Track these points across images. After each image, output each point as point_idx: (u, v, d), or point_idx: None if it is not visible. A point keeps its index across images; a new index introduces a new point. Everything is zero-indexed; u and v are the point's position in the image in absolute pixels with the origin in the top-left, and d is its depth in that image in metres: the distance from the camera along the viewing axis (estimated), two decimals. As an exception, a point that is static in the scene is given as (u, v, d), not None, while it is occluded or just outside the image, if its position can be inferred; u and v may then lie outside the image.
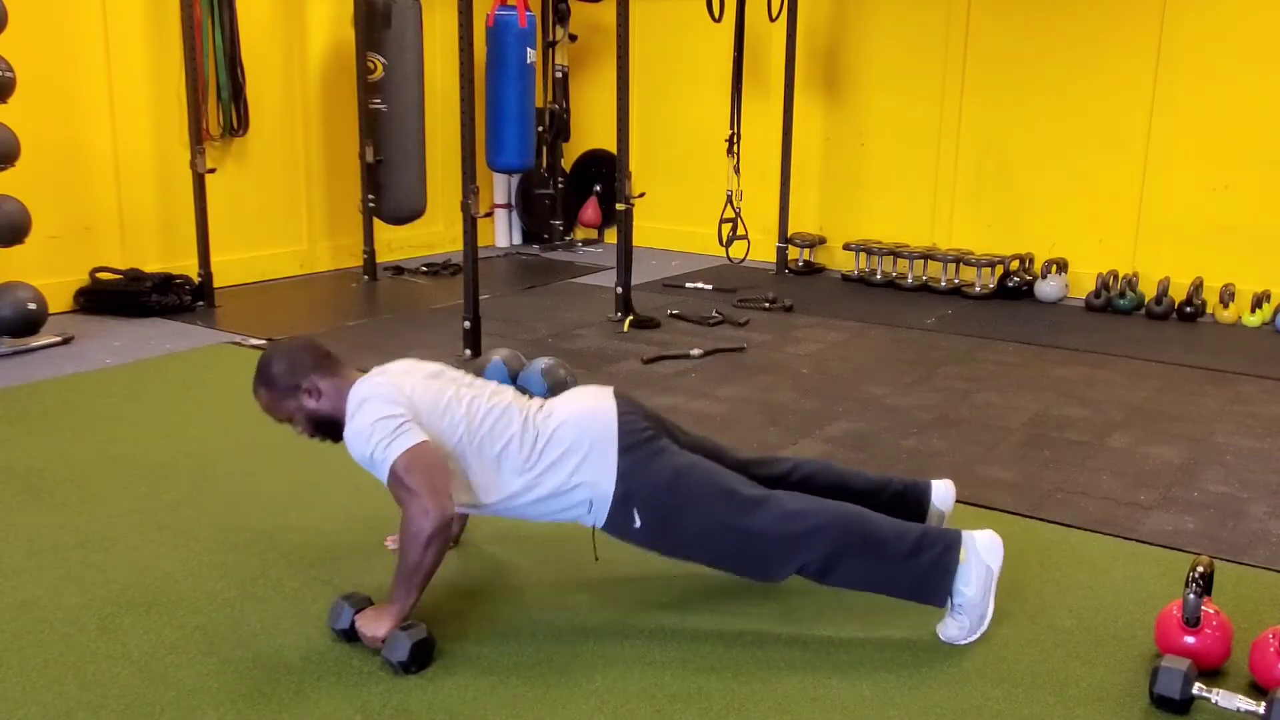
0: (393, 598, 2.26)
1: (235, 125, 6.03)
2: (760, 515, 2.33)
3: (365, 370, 2.46)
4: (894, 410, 4.11)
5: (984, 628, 2.37)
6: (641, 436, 2.37)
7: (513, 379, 3.95)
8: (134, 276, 5.52)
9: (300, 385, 2.38)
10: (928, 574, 2.34)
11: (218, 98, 5.93)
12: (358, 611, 2.30)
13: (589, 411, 2.39)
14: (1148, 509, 3.18)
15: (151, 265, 5.69)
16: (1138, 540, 2.94)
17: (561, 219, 7.74)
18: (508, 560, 2.77)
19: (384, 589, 2.59)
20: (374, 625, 2.25)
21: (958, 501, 3.14)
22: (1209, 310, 5.82)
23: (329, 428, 2.39)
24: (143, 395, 4.14)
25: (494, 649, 2.33)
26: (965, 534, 2.37)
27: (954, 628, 2.37)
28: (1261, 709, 2.02)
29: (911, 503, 2.61)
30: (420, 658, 2.21)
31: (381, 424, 2.24)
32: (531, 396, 2.53)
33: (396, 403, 2.29)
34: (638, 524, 2.35)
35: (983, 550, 2.35)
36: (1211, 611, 2.26)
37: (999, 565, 2.36)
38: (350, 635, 2.31)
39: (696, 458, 2.42)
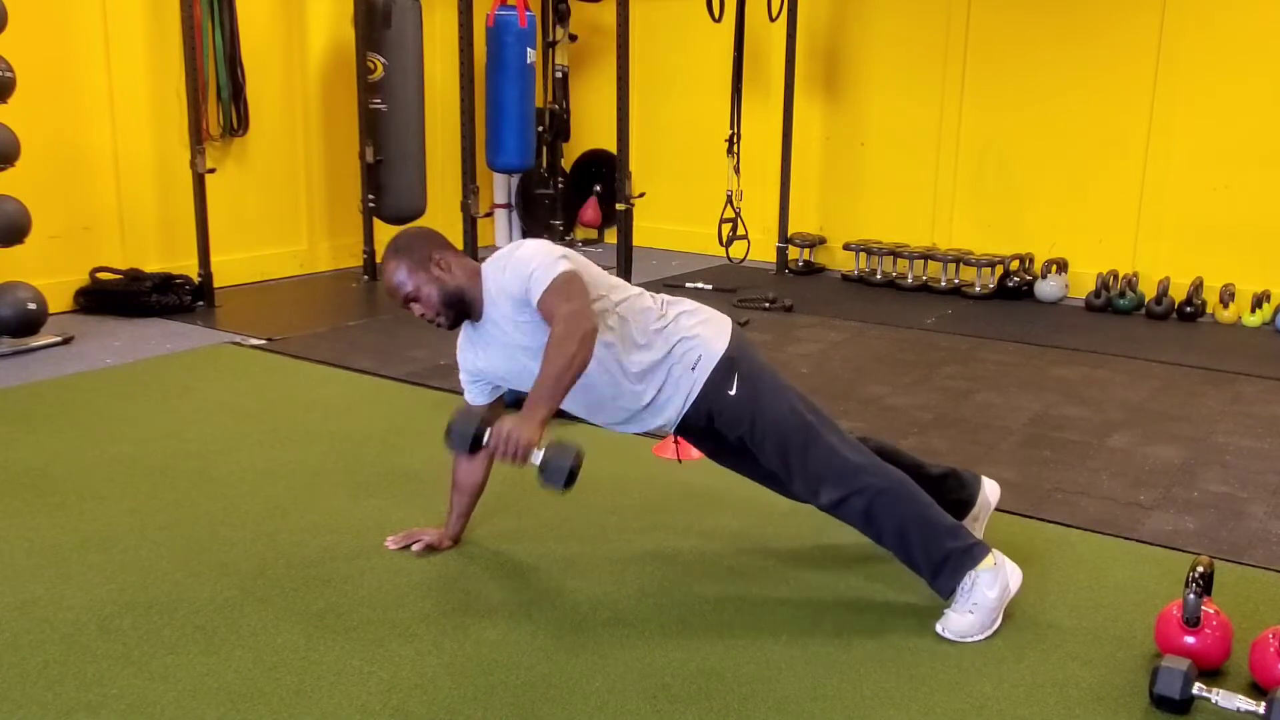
0: (535, 402, 2.25)
1: (235, 125, 6.03)
2: (835, 434, 2.49)
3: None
4: (894, 410, 4.11)
5: (990, 633, 2.40)
6: (748, 342, 2.58)
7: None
8: (134, 276, 5.52)
9: (432, 256, 2.45)
10: (950, 557, 2.42)
11: (218, 98, 5.93)
12: (484, 425, 2.28)
13: (706, 309, 2.60)
14: (1148, 509, 3.18)
15: (151, 265, 5.70)
16: (1138, 540, 2.95)
17: (561, 219, 7.74)
18: (508, 560, 2.77)
19: (383, 589, 2.59)
20: (521, 430, 2.21)
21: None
22: (1209, 310, 5.82)
23: (455, 304, 2.46)
24: (143, 395, 4.14)
25: (494, 648, 2.33)
26: (996, 550, 2.47)
27: (964, 624, 2.38)
28: (1261, 709, 2.02)
29: (958, 485, 2.71)
30: (576, 473, 2.22)
31: (548, 252, 2.39)
32: (520, 400, 2.58)
33: (554, 248, 2.43)
34: (734, 389, 2.47)
35: (1010, 570, 2.46)
36: (1211, 611, 2.26)
37: (1017, 588, 2.47)
38: (477, 443, 2.28)
39: None
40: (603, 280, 2.52)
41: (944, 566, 2.42)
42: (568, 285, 2.33)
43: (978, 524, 2.73)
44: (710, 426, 2.53)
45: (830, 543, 2.85)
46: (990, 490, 2.77)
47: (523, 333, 2.42)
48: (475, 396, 2.63)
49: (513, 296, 2.40)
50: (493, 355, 2.52)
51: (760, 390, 2.49)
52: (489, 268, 2.48)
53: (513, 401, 2.60)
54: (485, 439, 2.28)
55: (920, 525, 2.43)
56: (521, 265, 2.39)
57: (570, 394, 2.34)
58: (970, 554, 2.42)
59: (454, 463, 2.70)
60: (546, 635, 2.39)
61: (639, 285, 2.68)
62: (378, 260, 6.57)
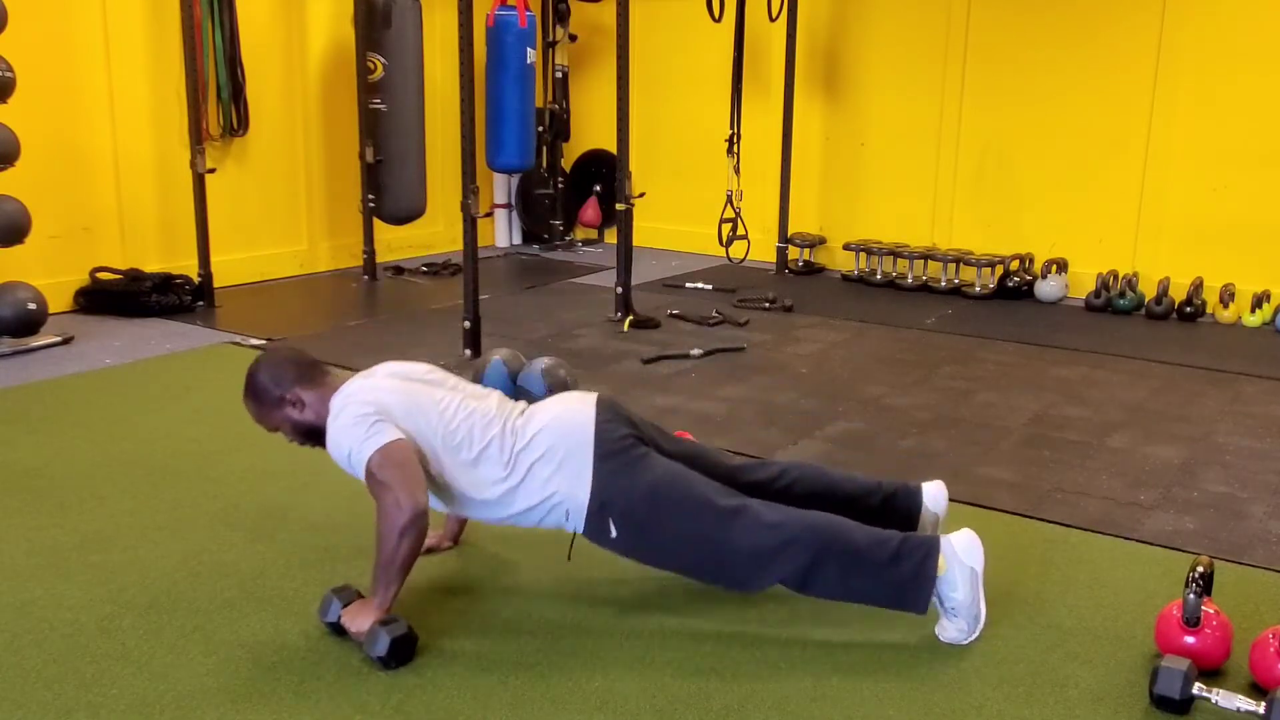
0: (373, 591, 2.29)
1: (235, 125, 6.03)
2: (736, 528, 2.33)
3: (356, 370, 2.50)
4: (894, 410, 4.11)
5: (981, 625, 2.37)
6: (619, 445, 2.36)
7: (512, 379, 3.95)
8: (134, 276, 5.52)
9: (285, 397, 2.44)
10: (907, 582, 2.32)
11: (218, 98, 5.93)
12: (345, 605, 2.33)
13: (567, 419, 2.40)
14: (1148, 509, 3.18)
15: (151, 265, 5.70)
16: (1138, 540, 2.94)
17: (561, 219, 7.74)
18: (508, 560, 2.77)
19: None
20: (357, 619, 2.28)
21: (958, 502, 3.15)
22: (1209, 310, 5.82)
23: (315, 435, 2.45)
24: (143, 395, 4.14)
25: (494, 649, 2.33)
26: (943, 540, 2.35)
27: (953, 630, 2.37)
28: (1261, 709, 2.02)
29: (903, 507, 2.59)
30: (400, 653, 2.22)
31: (356, 425, 2.29)
32: (518, 400, 2.55)
33: (370, 404, 2.34)
34: (614, 534, 2.36)
35: (962, 553, 2.33)
36: (1211, 611, 2.26)
37: (981, 563, 2.34)
38: (340, 629, 2.32)
39: (677, 466, 2.41)
40: (429, 413, 2.37)
41: (904, 596, 2.33)
42: (381, 465, 2.23)
43: (937, 526, 2.60)
44: None
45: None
46: (932, 499, 2.60)
47: None
48: None
49: (339, 460, 2.36)
50: None
51: (643, 529, 2.35)
52: (332, 404, 2.39)
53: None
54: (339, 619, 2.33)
55: (861, 573, 2.32)
56: (337, 445, 2.33)
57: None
58: (921, 572, 2.30)
59: None
60: (546, 635, 2.39)
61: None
62: (378, 260, 6.58)
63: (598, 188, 7.72)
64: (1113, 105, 6.05)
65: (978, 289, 6.29)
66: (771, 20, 6.52)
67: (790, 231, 7.00)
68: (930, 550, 2.33)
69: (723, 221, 6.49)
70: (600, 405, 2.43)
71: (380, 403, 2.35)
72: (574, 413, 2.41)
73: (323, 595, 2.39)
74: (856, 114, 6.93)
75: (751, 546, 2.32)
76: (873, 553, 2.32)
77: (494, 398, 2.50)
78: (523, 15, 6.57)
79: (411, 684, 2.18)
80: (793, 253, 7.04)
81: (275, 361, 2.50)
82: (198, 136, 5.50)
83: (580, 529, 2.39)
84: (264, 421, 2.50)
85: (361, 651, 2.26)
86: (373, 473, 2.25)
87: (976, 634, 2.37)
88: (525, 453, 2.36)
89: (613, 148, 5.56)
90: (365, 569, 2.64)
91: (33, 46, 5.04)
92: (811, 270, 7.02)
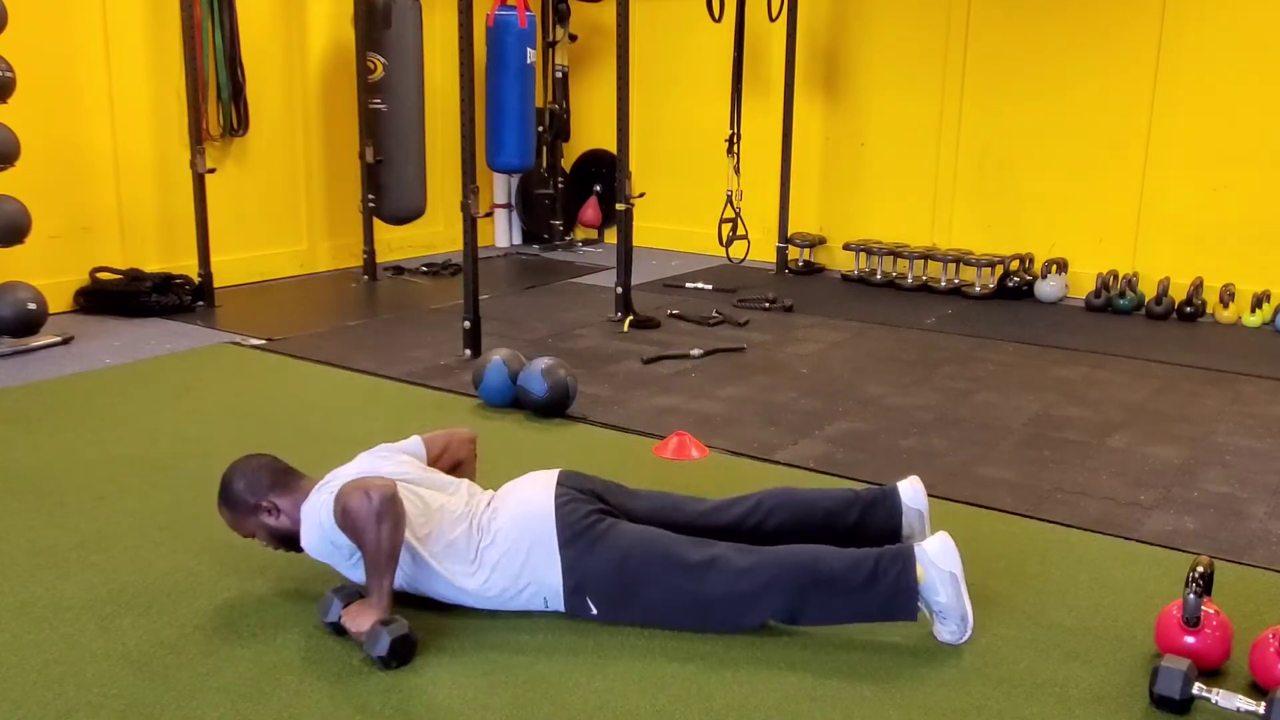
0: (370, 590, 2.29)
1: (235, 125, 6.03)
2: (710, 580, 2.35)
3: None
4: (894, 410, 4.11)
5: (970, 625, 2.36)
6: (581, 526, 2.39)
7: (512, 379, 3.95)
8: (134, 276, 5.52)
9: (260, 504, 2.46)
10: (891, 597, 2.32)
11: (218, 98, 5.93)
12: (346, 605, 2.33)
13: (527, 509, 2.42)
14: (1148, 509, 3.18)
15: (151, 265, 5.70)
16: (1138, 540, 2.94)
17: (561, 219, 7.74)
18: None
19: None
20: (357, 619, 2.28)
21: (958, 502, 3.15)
22: (1209, 310, 5.82)
23: (289, 541, 2.47)
24: (143, 395, 4.14)
25: (494, 649, 2.33)
26: (917, 549, 2.35)
27: (945, 632, 2.37)
28: (1261, 709, 2.02)
29: (883, 514, 2.59)
30: (401, 653, 2.22)
31: (322, 506, 2.33)
32: (485, 491, 2.56)
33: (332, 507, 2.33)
34: (594, 611, 2.39)
35: (937, 559, 2.33)
36: (1211, 611, 2.26)
37: (959, 566, 2.34)
38: (340, 629, 2.33)
39: (640, 529, 2.43)
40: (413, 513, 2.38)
41: (893, 609, 2.33)
42: (340, 495, 2.26)
43: (914, 538, 2.56)
44: None
45: (830, 543, 2.84)
46: (911, 498, 2.59)
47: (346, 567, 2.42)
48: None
49: (320, 554, 2.39)
50: None
51: (620, 604, 2.38)
52: (303, 512, 2.41)
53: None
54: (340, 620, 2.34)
55: (844, 597, 2.33)
56: (311, 549, 2.39)
57: None
58: (902, 584, 2.31)
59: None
60: (546, 635, 2.39)
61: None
62: (378, 260, 6.58)
63: (598, 188, 7.72)
64: (1113, 105, 6.06)
65: (978, 289, 6.29)
66: (771, 20, 6.52)
67: (790, 231, 7.00)
68: (906, 562, 2.33)
69: (723, 221, 6.49)
70: (560, 487, 2.46)
71: None
72: (533, 502, 2.43)
73: (323, 595, 2.39)
74: (856, 114, 6.93)
75: (729, 594, 2.35)
76: (849, 578, 2.33)
77: (462, 490, 2.52)
78: (523, 15, 6.57)
79: (412, 684, 2.18)
80: (793, 253, 7.04)
81: (250, 469, 2.51)
82: (198, 136, 5.50)
83: (562, 610, 2.42)
84: (239, 528, 2.51)
85: (361, 651, 2.26)
86: (339, 506, 2.26)
87: (968, 634, 2.36)
88: (491, 549, 2.39)
89: (613, 148, 5.56)
90: (365, 569, 2.65)
91: (33, 46, 5.04)
92: (811, 270, 7.02)
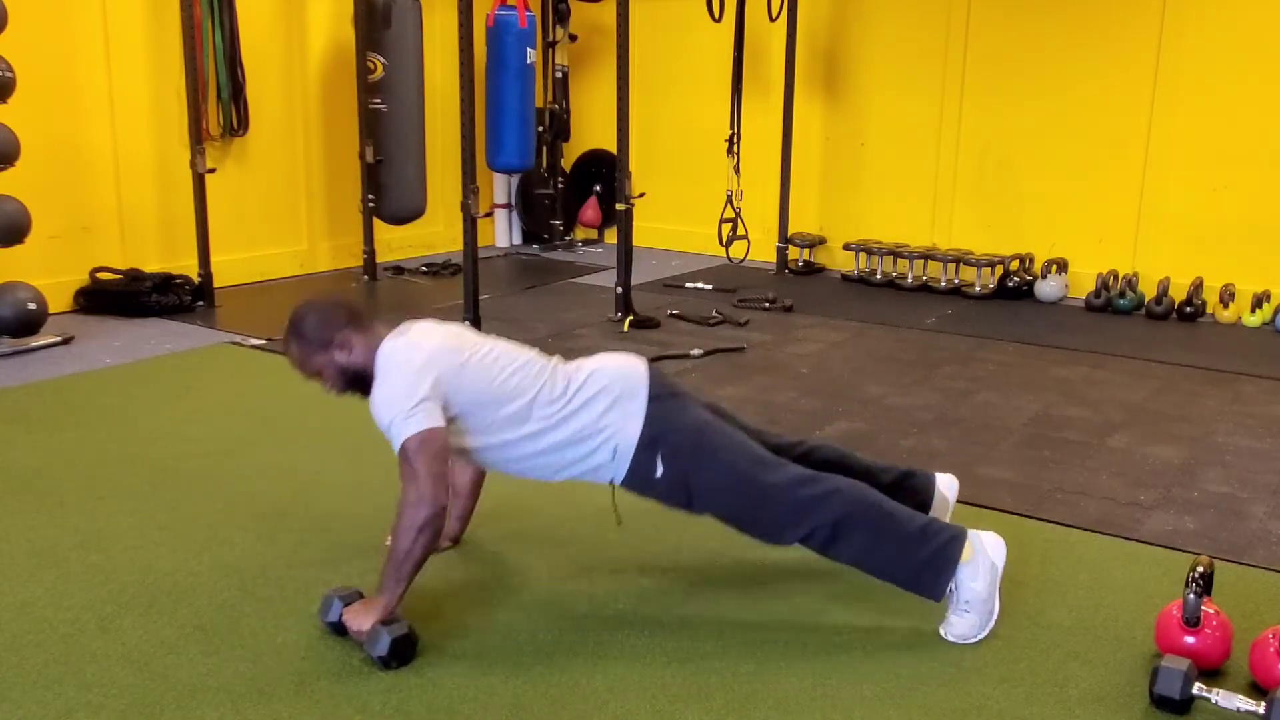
0: (380, 589, 2.28)
1: (235, 125, 6.03)
2: (779, 474, 2.39)
3: (396, 323, 2.48)
4: (894, 410, 4.11)
5: (992, 624, 2.38)
6: (669, 390, 2.46)
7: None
8: (134, 276, 5.52)
9: (333, 339, 2.40)
10: (929, 562, 2.35)
11: (218, 98, 5.93)
12: (346, 605, 2.32)
13: (621, 363, 2.48)
14: (1148, 509, 3.18)
15: (151, 265, 5.70)
16: (1138, 540, 2.94)
17: (561, 219, 7.74)
18: (509, 560, 2.77)
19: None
20: (359, 619, 2.27)
21: (958, 502, 3.14)
22: (1209, 310, 5.82)
23: (358, 382, 2.42)
24: (143, 395, 4.14)
25: (494, 649, 2.33)
26: (971, 531, 2.39)
27: (963, 625, 2.37)
28: (1261, 709, 2.02)
29: (918, 487, 2.65)
30: (401, 653, 2.22)
31: (404, 399, 2.27)
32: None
33: (420, 374, 2.31)
34: (660, 472, 2.38)
35: (989, 548, 2.38)
36: (1211, 611, 2.26)
37: (1003, 564, 2.39)
38: (340, 629, 2.32)
39: (719, 420, 2.49)
40: (475, 367, 2.38)
41: (923, 575, 2.36)
42: (417, 451, 2.23)
43: (947, 515, 2.66)
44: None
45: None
46: (946, 486, 2.67)
47: None
48: None
49: (378, 422, 2.33)
50: None
51: (689, 466, 2.39)
52: (379, 356, 2.37)
53: None
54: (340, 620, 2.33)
55: (888, 540, 2.36)
56: (381, 407, 2.30)
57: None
58: (946, 554, 2.34)
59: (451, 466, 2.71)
60: (547, 635, 2.39)
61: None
62: (378, 260, 6.58)
63: (598, 188, 7.72)
64: (1113, 105, 6.06)
65: (978, 289, 6.29)
66: (771, 20, 6.52)
67: (790, 231, 7.00)
68: (957, 536, 2.37)
69: (723, 221, 6.49)
70: (648, 361, 2.54)
71: (431, 366, 2.32)
72: (627, 359, 2.51)
73: (323, 596, 2.39)
74: (856, 114, 6.93)
75: (791, 494, 2.37)
76: (903, 523, 2.37)
77: (534, 352, 2.53)
78: (523, 15, 6.57)
79: (412, 684, 2.18)
80: (793, 253, 7.04)
81: (326, 305, 2.48)
82: (198, 136, 5.50)
83: (624, 472, 2.40)
84: (305, 365, 2.44)
85: (362, 651, 2.26)
86: (407, 455, 2.24)
87: (986, 631, 2.37)
88: (580, 391, 2.40)
89: (613, 148, 5.56)
90: (365, 569, 2.65)
91: (33, 46, 5.04)
92: (811, 270, 7.02)
